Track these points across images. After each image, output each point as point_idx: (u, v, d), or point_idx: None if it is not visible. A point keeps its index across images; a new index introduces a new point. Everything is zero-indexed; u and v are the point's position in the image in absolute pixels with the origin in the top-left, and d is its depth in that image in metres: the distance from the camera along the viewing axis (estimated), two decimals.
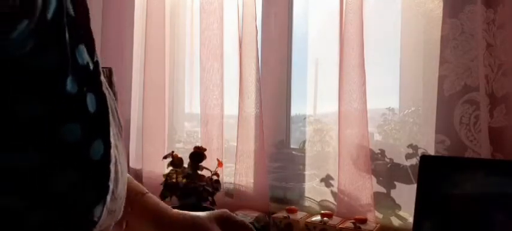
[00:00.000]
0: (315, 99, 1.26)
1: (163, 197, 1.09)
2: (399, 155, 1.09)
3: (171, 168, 1.15)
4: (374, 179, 1.09)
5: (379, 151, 1.11)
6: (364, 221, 1.02)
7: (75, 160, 0.35)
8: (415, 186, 0.91)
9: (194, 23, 1.43)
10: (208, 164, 1.19)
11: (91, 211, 0.37)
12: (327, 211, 1.08)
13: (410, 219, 0.99)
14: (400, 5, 1.08)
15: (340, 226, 1.01)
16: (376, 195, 1.08)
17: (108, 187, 0.38)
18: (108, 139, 0.38)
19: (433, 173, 0.89)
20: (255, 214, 1.12)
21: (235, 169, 1.26)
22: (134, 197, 0.59)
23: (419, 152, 1.05)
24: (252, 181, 1.25)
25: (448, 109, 0.97)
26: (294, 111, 1.31)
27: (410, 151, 1.07)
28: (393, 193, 1.09)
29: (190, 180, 1.11)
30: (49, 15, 0.32)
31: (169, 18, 1.45)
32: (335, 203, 1.14)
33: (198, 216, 0.62)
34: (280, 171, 1.29)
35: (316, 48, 1.26)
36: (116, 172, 0.39)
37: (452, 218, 0.86)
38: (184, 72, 1.50)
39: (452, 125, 0.97)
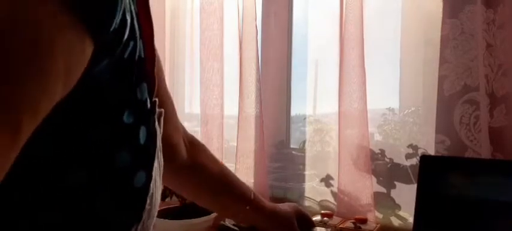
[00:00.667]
0: (315, 99, 1.26)
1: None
2: (399, 155, 1.09)
3: None
4: (374, 179, 1.09)
5: (379, 151, 1.11)
6: (364, 221, 1.02)
7: (119, 185, 0.38)
8: (415, 186, 0.91)
9: (194, 23, 1.43)
10: None
11: None
12: (327, 211, 1.08)
13: (411, 219, 0.99)
14: (400, 5, 1.08)
15: (340, 226, 1.01)
16: (376, 195, 1.08)
17: (141, 216, 0.40)
18: (151, 172, 0.41)
19: (433, 173, 0.89)
20: None
21: (235, 169, 1.26)
22: (249, 198, 0.75)
23: (419, 152, 1.05)
24: (252, 181, 1.25)
25: (448, 109, 0.97)
26: (294, 111, 1.31)
27: (410, 151, 1.07)
28: (393, 193, 1.09)
29: None
30: (126, 55, 0.36)
31: (169, 19, 1.46)
32: (335, 203, 1.14)
33: (286, 210, 0.80)
34: (280, 171, 1.29)
35: (316, 48, 1.26)
36: (150, 204, 0.42)
37: (452, 218, 0.86)
38: (184, 72, 1.50)
39: (452, 125, 0.97)
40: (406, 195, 1.05)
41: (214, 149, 1.29)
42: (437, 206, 0.87)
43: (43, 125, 0.29)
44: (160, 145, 0.46)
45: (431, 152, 1.01)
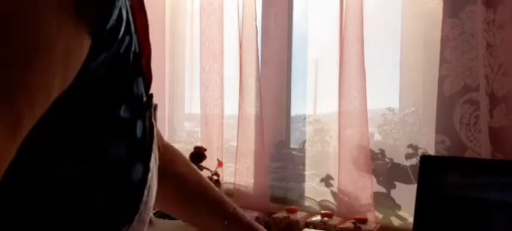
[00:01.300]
0: (315, 99, 1.26)
1: None
2: (399, 155, 1.09)
3: None
4: (374, 179, 1.09)
5: (379, 151, 1.11)
6: (364, 221, 1.02)
7: (117, 178, 0.38)
8: (415, 186, 0.91)
9: (194, 23, 1.43)
10: (209, 164, 1.19)
11: (120, 228, 0.39)
12: (327, 211, 1.08)
13: (410, 219, 0.99)
14: (400, 5, 1.08)
15: (340, 226, 1.01)
16: (376, 195, 1.08)
17: (139, 208, 0.41)
18: (148, 165, 0.42)
19: (433, 173, 0.89)
20: (255, 214, 1.12)
21: (236, 168, 1.26)
22: (228, 212, 0.67)
23: (419, 152, 1.05)
24: (252, 180, 1.25)
25: (448, 109, 0.97)
26: (294, 111, 1.31)
27: (410, 151, 1.07)
28: (393, 193, 1.09)
29: None
30: (122, 50, 0.36)
31: (169, 19, 1.46)
32: (335, 203, 1.14)
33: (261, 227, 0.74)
34: (280, 171, 1.29)
35: (316, 48, 1.26)
36: (147, 195, 0.42)
37: (452, 218, 0.86)
38: (184, 72, 1.50)
39: (452, 125, 0.97)
40: (406, 195, 1.05)
41: (214, 149, 1.29)
42: (437, 206, 0.87)
43: (41, 120, 0.29)
44: (156, 138, 0.46)
45: (431, 152, 1.01)
